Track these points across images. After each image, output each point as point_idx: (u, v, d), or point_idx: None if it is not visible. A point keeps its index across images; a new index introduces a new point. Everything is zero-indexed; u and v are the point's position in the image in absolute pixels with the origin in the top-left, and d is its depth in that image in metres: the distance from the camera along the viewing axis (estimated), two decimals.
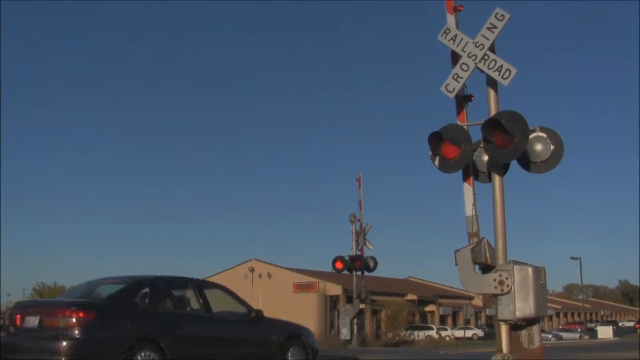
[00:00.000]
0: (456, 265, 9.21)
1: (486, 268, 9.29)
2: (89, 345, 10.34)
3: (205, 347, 11.76)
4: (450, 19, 10.16)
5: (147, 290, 11.57)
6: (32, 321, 10.75)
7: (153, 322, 11.22)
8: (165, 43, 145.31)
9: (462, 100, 10.06)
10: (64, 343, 10.28)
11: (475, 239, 9.53)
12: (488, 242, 9.46)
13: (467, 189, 9.92)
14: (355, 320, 34.92)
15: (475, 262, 9.18)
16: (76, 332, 10.32)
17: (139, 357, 10.59)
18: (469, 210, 9.79)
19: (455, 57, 9.93)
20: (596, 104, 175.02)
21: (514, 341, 9.23)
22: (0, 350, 10.70)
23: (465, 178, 9.96)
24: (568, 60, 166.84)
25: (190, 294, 12.39)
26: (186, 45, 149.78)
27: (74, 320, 10.38)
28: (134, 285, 11.72)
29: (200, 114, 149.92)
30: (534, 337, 9.16)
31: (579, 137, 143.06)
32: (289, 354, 13.02)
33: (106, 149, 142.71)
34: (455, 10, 10.21)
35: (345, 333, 34.72)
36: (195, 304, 12.21)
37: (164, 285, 12.26)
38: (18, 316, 11.04)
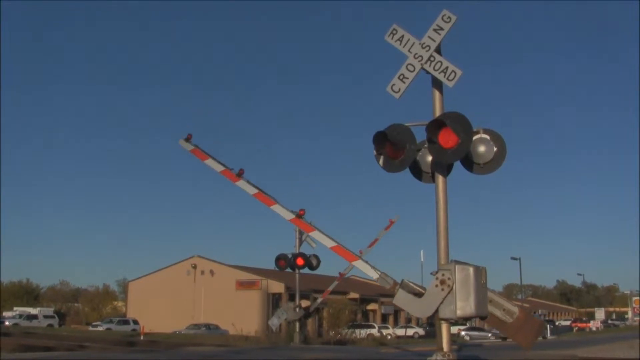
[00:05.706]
0: (401, 307, 9.43)
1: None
2: None
3: None
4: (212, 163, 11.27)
5: None
6: None
7: None
8: None
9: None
10: None
11: (397, 287, 9.60)
12: (407, 280, 9.60)
13: (361, 263, 10.21)
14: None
15: (411, 294, 9.32)
16: None
17: None
18: (373, 275, 9.98)
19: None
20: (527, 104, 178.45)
21: (498, 324, 9.35)
22: None
23: (349, 258, 10.33)
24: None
25: None
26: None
27: None
28: None
29: (139, 106, 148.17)
30: (510, 309, 9.27)
31: (520, 138, 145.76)
32: None
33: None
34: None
35: (274, 323, 33.51)
36: None
37: None
38: None
